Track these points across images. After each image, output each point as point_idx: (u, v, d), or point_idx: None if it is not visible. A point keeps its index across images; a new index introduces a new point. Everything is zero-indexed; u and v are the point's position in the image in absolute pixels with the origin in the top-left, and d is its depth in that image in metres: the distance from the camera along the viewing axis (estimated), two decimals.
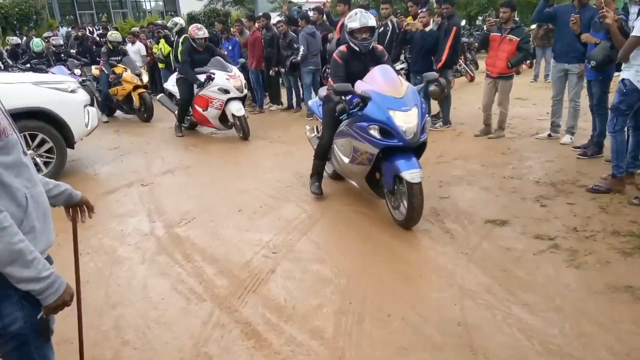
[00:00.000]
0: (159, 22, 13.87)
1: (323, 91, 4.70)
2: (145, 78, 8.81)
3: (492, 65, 6.12)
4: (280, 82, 9.19)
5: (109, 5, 29.46)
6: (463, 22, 11.92)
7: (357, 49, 4.08)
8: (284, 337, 2.55)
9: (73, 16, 27.85)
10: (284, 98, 9.16)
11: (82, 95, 5.76)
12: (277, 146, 6.47)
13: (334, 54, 4.21)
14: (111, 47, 8.87)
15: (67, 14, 28.23)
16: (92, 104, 6.42)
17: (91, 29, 15.73)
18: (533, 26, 10.51)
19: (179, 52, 9.80)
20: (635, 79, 4.11)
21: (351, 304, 2.82)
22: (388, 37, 6.97)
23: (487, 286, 2.92)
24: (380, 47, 4.36)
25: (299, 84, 8.79)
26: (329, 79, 4.09)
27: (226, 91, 6.65)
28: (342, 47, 4.19)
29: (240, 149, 6.58)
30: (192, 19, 20.98)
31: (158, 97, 8.13)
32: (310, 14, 8.29)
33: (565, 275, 3.01)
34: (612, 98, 4.87)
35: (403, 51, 7.10)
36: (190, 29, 7.14)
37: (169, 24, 12.24)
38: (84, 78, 9.76)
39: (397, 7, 16.98)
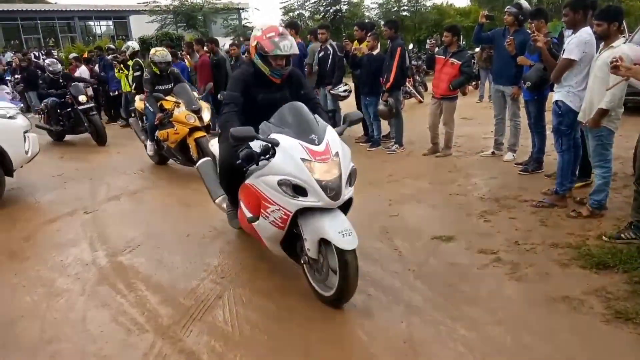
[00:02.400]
0: (110, 46, 13.58)
1: None
2: (207, 116, 5.98)
3: (436, 86, 6.33)
4: None
5: (56, 29, 28.64)
6: (411, 46, 12.31)
7: None
8: None
9: (19, 41, 26.91)
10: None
11: (22, 121, 5.56)
12: None
13: None
14: (157, 71, 6.19)
15: (12, 39, 27.26)
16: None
17: (36, 54, 15.25)
18: (477, 49, 10.99)
19: (129, 75, 9.65)
20: (567, 100, 4.34)
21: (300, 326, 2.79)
22: (330, 60, 7.12)
23: (433, 302, 2.96)
24: None
25: None
26: None
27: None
28: None
29: (188, 173, 6.45)
30: (144, 42, 20.73)
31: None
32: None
33: (507, 288, 3.09)
34: (547, 116, 5.14)
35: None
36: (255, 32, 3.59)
37: (122, 48, 12.04)
38: (91, 105, 8.08)
39: (350, 32, 17.39)
